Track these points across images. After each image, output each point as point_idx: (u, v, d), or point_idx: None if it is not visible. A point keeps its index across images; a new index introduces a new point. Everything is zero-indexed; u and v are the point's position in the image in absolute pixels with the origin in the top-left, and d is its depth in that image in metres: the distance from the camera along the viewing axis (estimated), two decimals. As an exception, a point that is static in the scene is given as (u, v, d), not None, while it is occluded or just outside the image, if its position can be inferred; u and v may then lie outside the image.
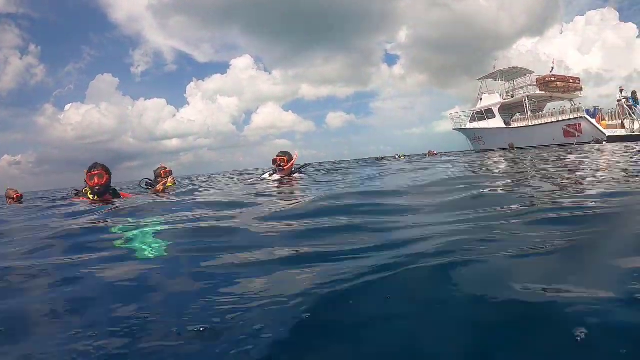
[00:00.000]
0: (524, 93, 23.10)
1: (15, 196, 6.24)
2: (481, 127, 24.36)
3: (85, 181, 3.76)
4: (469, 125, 25.39)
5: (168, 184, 5.75)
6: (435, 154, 20.96)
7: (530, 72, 24.01)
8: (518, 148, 19.09)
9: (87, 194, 3.79)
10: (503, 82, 25.16)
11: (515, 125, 22.98)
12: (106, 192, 3.81)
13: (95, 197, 3.73)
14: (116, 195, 3.95)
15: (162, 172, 6.28)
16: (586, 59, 41.41)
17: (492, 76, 25.35)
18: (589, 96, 24.83)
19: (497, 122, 23.67)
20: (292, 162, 5.11)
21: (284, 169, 5.01)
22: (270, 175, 5.28)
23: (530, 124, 21.77)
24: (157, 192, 4.66)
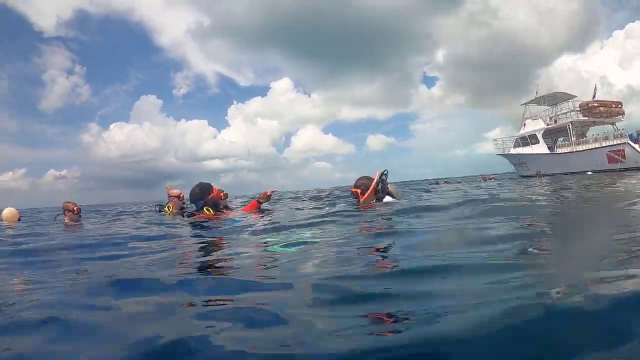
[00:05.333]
0: (567, 118, 23.97)
1: (75, 209, 5.95)
2: (525, 152, 25.48)
3: (216, 197, 4.30)
4: (512, 151, 26.59)
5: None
6: (491, 178, 21.73)
7: (573, 97, 24.84)
8: (565, 174, 20.14)
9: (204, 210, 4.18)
10: (546, 108, 26.12)
11: (559, 151, 23.90)
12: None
13: (212, 211, 4.20)
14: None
15: (221, 194, 5.65)
16: (628, 74, 39.56)
17: (536, 101, 26.49)
18: (633, 113, 24.67)
19: (541, 148, 24.72)
20: (371, 187, 4.12)
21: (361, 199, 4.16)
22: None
23: (575, 150, 22.61)
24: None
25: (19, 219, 6.48)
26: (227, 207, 5.14)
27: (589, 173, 17.63)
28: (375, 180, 4.15)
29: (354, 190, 4.21)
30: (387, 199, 4.16)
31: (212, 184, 4.28)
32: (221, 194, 5.54)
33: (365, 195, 4.09)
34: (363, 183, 4.18)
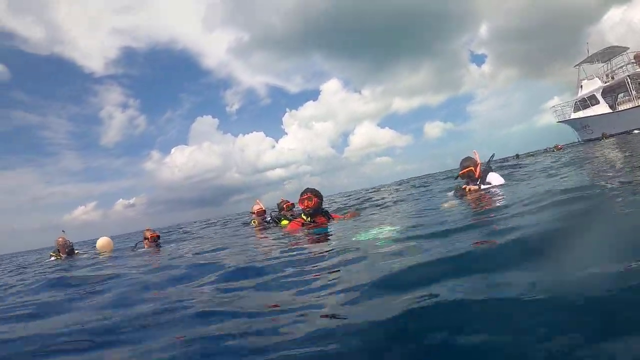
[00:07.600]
0: (623, 72, 23.90)
1: (150, 236, 5.87)
2: (587, 115, 25.73)
3: (299, 205, 4.26)
4: (573, 116, 26.90)
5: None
6: (560, 147, 22.87)
7: (626, 49, 24.54)
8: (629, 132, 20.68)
9: (301, 215, 4.23)
10: (600, 65, 25.99)
11: (621, 107, 23.97)
12: (318, 214, 4.20)
13: (309, 218, 4.14)
14: (328, 216, 4.31)
15: (284, 205, 6.14)
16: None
17: (588, 60, 26.45)
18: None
19: (602, 108, 24.87)
20: (478, 165, 4.56)
21: (477, 177, 4.46)
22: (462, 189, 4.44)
23: (638, 104, 22.67)
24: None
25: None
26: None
27: (636, 131, 18.43)
28: (477, 157, 4.63)
29: (468, 169, 4.49)
30: (491, 177, 4.55)
31: (310, 192, 4.22)
32: (285, 204, 6.07)
33: (479, 170, 4.51)
34: (472, 161, 4.56)
